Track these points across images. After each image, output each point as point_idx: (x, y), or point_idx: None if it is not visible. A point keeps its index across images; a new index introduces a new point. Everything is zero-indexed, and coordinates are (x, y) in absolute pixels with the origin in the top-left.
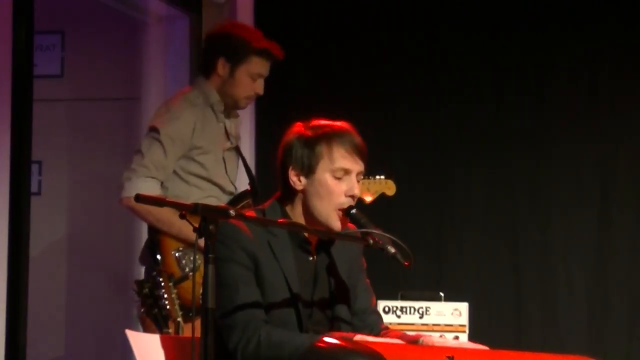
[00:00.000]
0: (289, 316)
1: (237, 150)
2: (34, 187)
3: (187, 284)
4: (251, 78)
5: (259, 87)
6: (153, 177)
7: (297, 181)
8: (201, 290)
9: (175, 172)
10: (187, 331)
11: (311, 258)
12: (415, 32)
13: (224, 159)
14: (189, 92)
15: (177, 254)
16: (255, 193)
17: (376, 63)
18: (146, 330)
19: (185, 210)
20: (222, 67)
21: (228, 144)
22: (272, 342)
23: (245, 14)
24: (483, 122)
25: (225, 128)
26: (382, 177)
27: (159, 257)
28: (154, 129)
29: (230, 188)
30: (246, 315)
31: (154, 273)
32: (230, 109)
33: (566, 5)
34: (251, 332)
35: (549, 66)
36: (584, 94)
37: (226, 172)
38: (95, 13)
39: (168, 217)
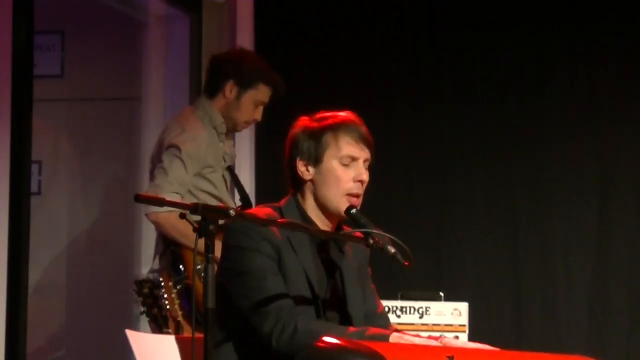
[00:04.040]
0: (309, 311)
1: (230, 169)
2: (34, 187)
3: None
4: (254, 105)
5: (259, 114)
6: (177, 193)
7: (306, 171)
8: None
9: (187, 189)
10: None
11: (326, 255)
12: (415, 32)
13: (224, 177)
14: (195, 111)
15: (199, 267)
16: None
17: (376, 62)
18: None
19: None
20: (229, 90)
21: (225, 164)
22: (312, 330)
23: (245, 14)
24: (483, 122)
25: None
26: None
27: (181, 267)
28: (174, 147)
29: (232, 205)
30: (279, 302)
31: (155, 274)
32: (228, 131)
33: (566, 4)
34: (286, 318)
35: (549, 64)
36: (584, 92)
37: (227, 190)
38: (95, 13)
39: (192, 232)
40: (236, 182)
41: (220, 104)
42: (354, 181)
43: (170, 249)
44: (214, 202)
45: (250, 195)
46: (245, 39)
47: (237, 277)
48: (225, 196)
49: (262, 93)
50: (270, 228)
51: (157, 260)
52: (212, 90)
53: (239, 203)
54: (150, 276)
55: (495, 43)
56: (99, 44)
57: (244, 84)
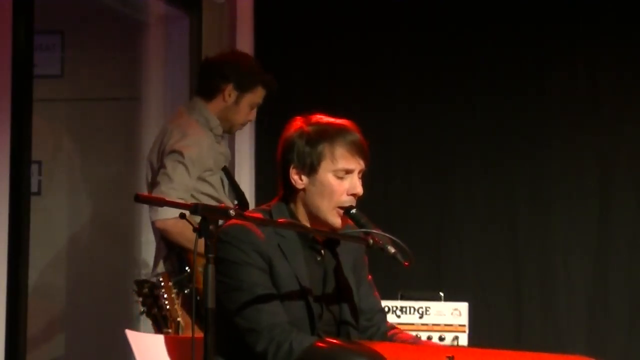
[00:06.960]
0: (302, 318)
1: (226, 169)
2: (34, 187)
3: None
4: (250, 107)
5: (253, 115)
6: (181, 199)
7: (299, 180)
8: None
9: (190, 193)
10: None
11: (320, 258)
12: (415, 31)
13: (221, 179)
14: (192, 114)
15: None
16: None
17: (376, 62)
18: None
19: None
20: (228, 94)
21: (221, 164)
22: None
23: (245, 14)
24: (483, 122)
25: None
26: None
27: (187, 269)
28: (177, 152)
29: (231, 206)
30: (271, 319)
31: (155, 274)
32: (224, 133)
33: (566, 4)
34: (280, 336)
35: (549, 62)
36: (584, 92)
37: (224, 191)
38: (95, 13)
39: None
40: (232, 182)
41: (218, 107)
42: (348, 194)
43: (175, 251)
44: (214, 204)
45: (250, 195)
46: (245, 39)
47: (230, 292)
48: (224, 197)
49: (258, 95)
50: (260, 237)
51: (161, 264)
52: (209, 93)
53: (235, 203)
54: (154, 279)
55: (495, 43)
56: (99, 44)
57: (244, 88)
